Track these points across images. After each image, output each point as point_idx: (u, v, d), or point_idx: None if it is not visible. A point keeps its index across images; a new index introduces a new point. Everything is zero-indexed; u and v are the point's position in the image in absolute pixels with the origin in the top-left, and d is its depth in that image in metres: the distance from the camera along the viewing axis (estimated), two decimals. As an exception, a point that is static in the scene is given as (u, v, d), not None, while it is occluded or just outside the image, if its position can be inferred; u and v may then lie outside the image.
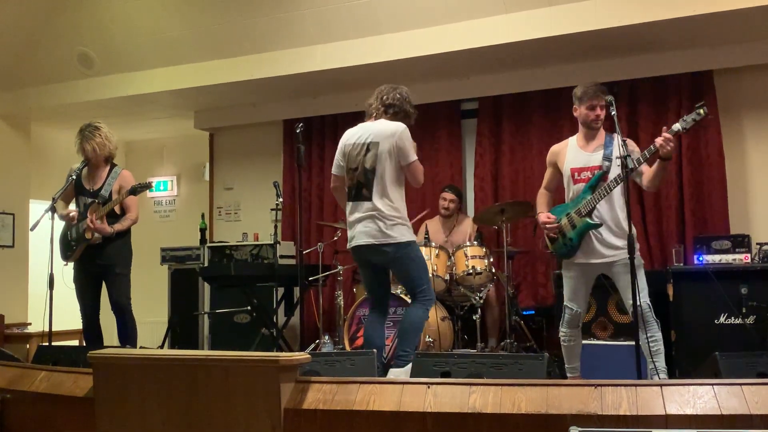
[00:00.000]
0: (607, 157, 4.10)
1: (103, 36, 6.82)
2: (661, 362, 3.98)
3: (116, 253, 5.12)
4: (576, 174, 4.22)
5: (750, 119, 6.03)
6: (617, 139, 3.85)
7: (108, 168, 5.18)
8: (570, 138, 4.37)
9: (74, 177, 5.07)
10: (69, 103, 7.32)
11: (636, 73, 6.12)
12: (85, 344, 5.29)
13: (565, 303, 4.29)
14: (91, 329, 5.16)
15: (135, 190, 4.99)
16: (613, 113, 3.88)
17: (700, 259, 5.29)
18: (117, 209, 5.11)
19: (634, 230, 4.00)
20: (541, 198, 4.47)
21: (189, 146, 8.57)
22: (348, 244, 4.41)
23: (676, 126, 3.86)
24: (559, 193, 4.45)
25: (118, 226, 5.06)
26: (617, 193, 4.07)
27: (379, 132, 4.30)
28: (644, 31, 5.47)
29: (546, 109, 6.52)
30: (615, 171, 4.03)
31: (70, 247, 5.12)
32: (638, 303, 3.87)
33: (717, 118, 5.94)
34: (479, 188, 6.71)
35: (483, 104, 6.79)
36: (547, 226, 4.24)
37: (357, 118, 7.15)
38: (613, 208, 4.09)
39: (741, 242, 5.25)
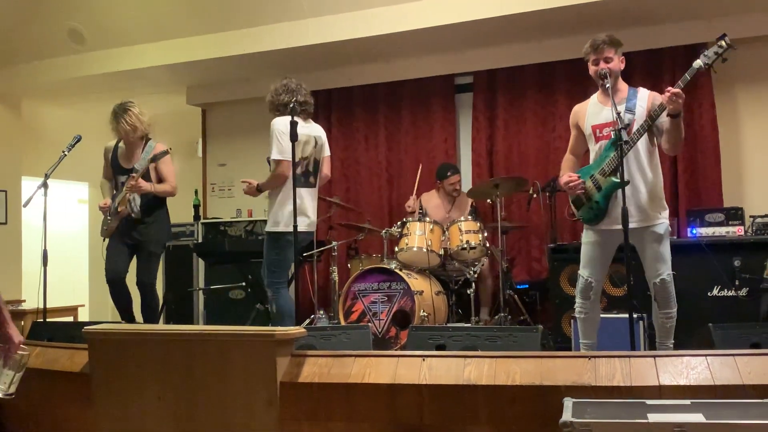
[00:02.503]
0: (630, 110, 3.82)
1: (94, 11, 6.74)
2: (669, 339, 3.85)
3: (154, 231, 5.05)
4: (598, 131, 3.93)
5: (744, 92, 6.04)
6: (640, 92, 3.79)
7: (143, 144, 5.08)
8: (592, 96, 4.08)
9: (109, 157, 5.09)
10: (60, 79, 7.26)
11: (630, 45, 6.01)
12: (116, 308, 5.13)
13: (579, 271, 4.00)
14: (119, 292, 4.98)
15: (155, 158, 4.96)
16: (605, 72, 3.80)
17: (694, 231, 5.32)
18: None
19: (661, 193, 3.90)
20: (566, 163, 4.14)
21: (181, 122, 8.49)
22: (300, 227, 4.44)
23: (697, 62, 3.57)
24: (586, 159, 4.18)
25: (152, 188, 4.97)
26: (643, 149, 3.82)
27: (319, 130, 4.92)
28: (639, 3, 5.44)
29: (540, 83, 6.50)
30: (639, 124, 3.76)
31: (105, 221, 5.06)
32: (663, 276, 3.79)
33: (711, 91, 5.94)
34: (476, 163, 6.70)
35: (478, 78, 6.76)
36: (571, 184, 3.92)
37: (350, 92, 7.22)
38: (641, 166, 3.82)
39: (734, 215, 5.27)
